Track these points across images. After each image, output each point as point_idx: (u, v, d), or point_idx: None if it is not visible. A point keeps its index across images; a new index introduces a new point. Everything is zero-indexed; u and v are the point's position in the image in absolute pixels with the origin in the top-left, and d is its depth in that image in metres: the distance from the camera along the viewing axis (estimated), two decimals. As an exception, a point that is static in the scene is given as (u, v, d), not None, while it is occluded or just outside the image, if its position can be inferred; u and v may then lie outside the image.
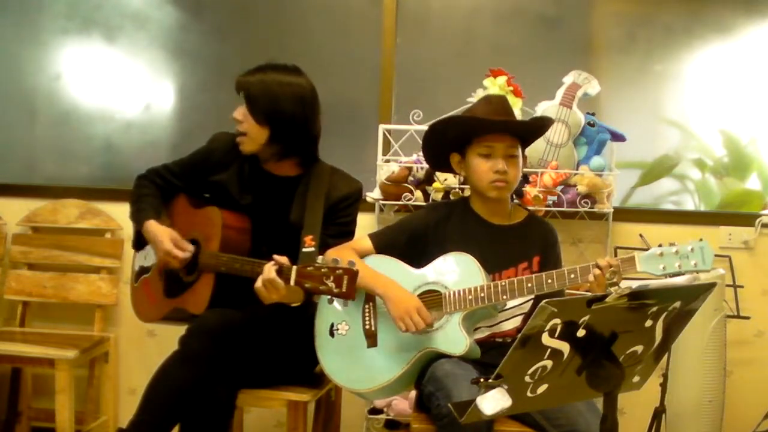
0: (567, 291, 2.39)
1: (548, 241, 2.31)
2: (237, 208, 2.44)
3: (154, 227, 2.41)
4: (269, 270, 2.13)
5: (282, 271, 2.13)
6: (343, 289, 2.04)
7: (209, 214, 2.43)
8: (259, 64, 2.41)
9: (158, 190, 2.54)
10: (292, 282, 2.11)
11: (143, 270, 2.62)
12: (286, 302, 2.22)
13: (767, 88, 3.27)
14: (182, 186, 2.55)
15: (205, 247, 2.39)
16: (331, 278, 2.05)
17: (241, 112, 2.37)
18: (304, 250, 2.29)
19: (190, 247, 2.39)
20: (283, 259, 2.15)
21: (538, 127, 2.31)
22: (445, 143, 2.29)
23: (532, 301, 2.21)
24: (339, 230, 2.41)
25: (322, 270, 2.07)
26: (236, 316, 2.27)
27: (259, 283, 2.16)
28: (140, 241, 2.55)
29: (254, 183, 2.45)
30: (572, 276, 2.05)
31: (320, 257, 2.22)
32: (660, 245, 2.00)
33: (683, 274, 2.04)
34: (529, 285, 2.08)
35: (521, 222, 2.33)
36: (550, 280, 2.06)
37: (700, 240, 1.98)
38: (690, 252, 1.96)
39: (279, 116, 2.34)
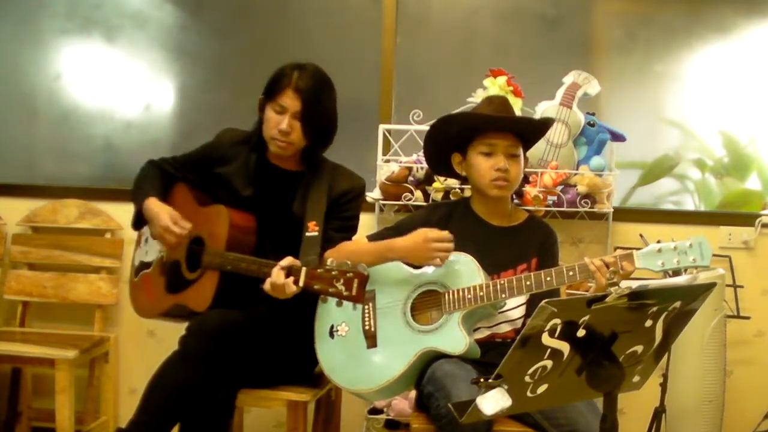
0: (567, 291, 2.39)
1: (547, 243, 2.30)
2: (239, 202, 2.44)
3: (155, 205, 2.40)
4: (278, 275, 2.12)
5: (291, 273, 2.12)
6: (353, 293, 2.02)
7: (216, 212, 2.42)
8: (299, 64, 2.37)
9: (163, 174, 2.55)
10: (301, 283, 2.09)
11: (144, 265, 2.61)
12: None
13: (767, 88, 3.27)
14: (189, 178, 2.55)
15: (209, 244, 2.39)
16: (341, 281, 2.03)
17: (288, 125, 2.33)
18: (307, 234, 2.30)
19: (188, 225, 2.37)
20: (292, 261, 2.14)
21: (539, 125, 2.31)
22: (447, 142, 2.28)
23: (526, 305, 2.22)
24: (342, 224, 2.42)
25: (333, 273, 2.04)
26: (236, 316, 2.27)
27: (267, 286, 2.15)
28: (140, 221, 2.52)
29: (259, 175, 2.46)
30: (571, 273, 2.04)
31: (329, 260, 2.20)
32: (659, 241, 1.99)
33: (682, 270, 2.03)
34: (528, 283, 2.07)
35: (521, 223, 2.33)
36: (549, 278, 2.05)
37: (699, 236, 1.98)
38: (688, 248, 1.96)
39: (326, 131, 2.41)
